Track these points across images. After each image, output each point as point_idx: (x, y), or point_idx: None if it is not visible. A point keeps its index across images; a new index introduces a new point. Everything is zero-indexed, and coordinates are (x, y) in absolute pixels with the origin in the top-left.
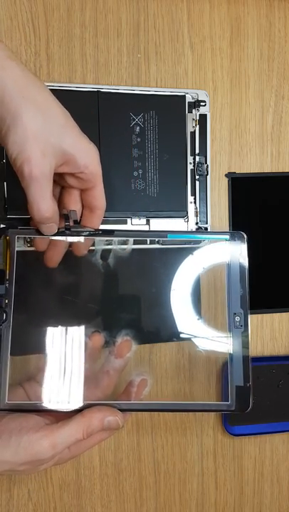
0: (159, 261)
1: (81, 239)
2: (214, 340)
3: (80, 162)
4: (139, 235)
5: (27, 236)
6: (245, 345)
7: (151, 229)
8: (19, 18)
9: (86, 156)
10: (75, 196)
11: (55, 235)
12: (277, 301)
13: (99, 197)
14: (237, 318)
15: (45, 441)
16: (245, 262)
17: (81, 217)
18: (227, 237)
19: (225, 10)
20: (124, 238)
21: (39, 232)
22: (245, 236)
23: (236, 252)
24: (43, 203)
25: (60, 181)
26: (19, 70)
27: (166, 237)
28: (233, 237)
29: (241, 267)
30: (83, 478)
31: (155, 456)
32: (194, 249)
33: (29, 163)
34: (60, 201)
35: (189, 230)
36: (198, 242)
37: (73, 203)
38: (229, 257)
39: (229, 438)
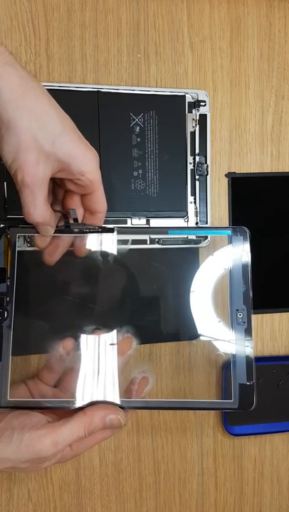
0: (159, 260)
1: (82, 239)
2: (216, 338)
3: (75, 170)
4: (139, 232)
5: (28, 234)
6: (248, 342)
7: (149, 226)
8: (19, 18)
9: (82, 163)
10: (75, 200)
11: (54, 232)
12: (277, 301)
13: (98, 201)
14: (239, 315)
15: (47, 439)
16: (248, 257)
17: (83, 219)
18: (229, 232)
19: (225, 10)
20: (125, 235)
21: None
22: (247, 231)
23: (239, 248)
24: (33, 208)
25: (62, 185)
26: (17, 77)
27: (167, 233)
28: (235, 233)
29: (244, 262)
30: (83, 478)
31: (155, 456)
32: (196, 248)
33: (22, 171)
34: (62, 203)
35: (188, 226)
36: (199, 241)
37: (74, 207)
38: (231, 253)
39: (229, 438)
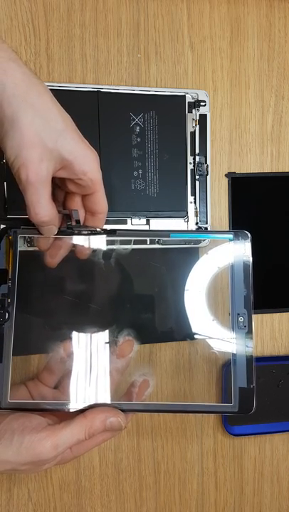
0: (159, 261)
1: (83, 240)
2: (217, 341)
3: (77, 168)
4: (141, 235)
5: (29, 236)
6: (249, 346)
7: (151, 229)
8: (19, 18)
9: (84, 162)
10: (76, 202)
11: (57, 234)
12: (277, 301)
13: (99, 202)
14: (240, 319)
15: (47, 442)
16: (250, 261)
17: (84, 220)
18: (231, 236)
19: (225, 10)
20: (127, 238)
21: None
22: (249, 235)
23: (240, 252)
24: (39, 207)
25: (62, 186)
26: (20, 73)
27: (169, 237)
28: (237, 236)
29: (245, 266)
30: (83, 478)
31: (155, 456)
32: (196, 249)
33: (25, 168)
34: (63, 205)
35: (190, 229)
36: (199, 241)
37: (75, 208)
38: (233, 257)
39: (229, 438)
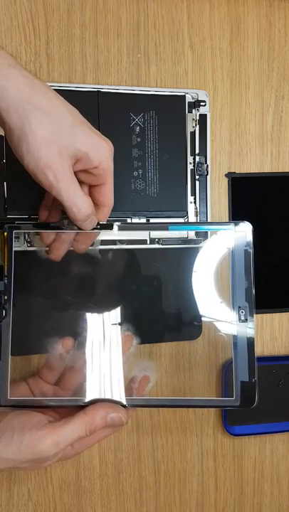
0: (158, 259)
1: (81, 235)
2: (217, 336)
3: (93, 159)
4: (139, 228)
5: (25, 231)
6: (251, 339)
7: (149, 222)
8: (19, 18)
9: (99, 152)
10: (84, 191)
11: (52, 228)
12: (277, 301)
13: (107, 194)
14: (242, 312)
15: (47, 440)
16: (251, 253)
17: None
18: (231, 226)
19: (225, 10)
20: (125, 233)
21: (37, 227)
22: (250, 226)
23: (241, 243)
24: (80, 202)
25: None
26: (21, 77)
27: (168, 229)
28: (237, 227)
29: (246, 258)
30: (83, 478)
31: (155, 456)
32: (196, 245)
33: (50, 169)
34: None
35: (189, 221)
36: (199, 241)
37: None
38: (233, 248)
39: (229, 438)
